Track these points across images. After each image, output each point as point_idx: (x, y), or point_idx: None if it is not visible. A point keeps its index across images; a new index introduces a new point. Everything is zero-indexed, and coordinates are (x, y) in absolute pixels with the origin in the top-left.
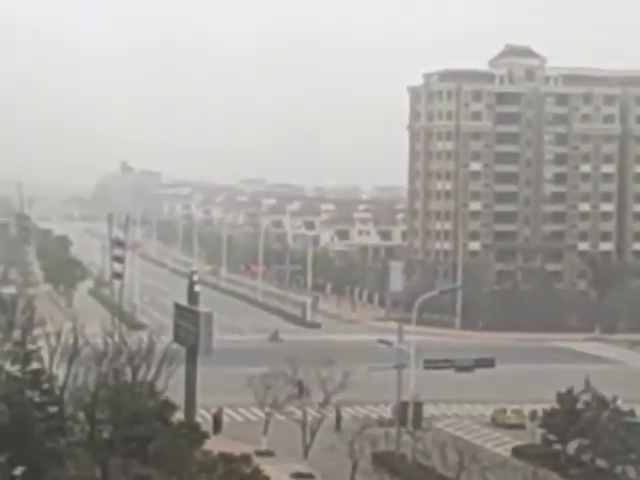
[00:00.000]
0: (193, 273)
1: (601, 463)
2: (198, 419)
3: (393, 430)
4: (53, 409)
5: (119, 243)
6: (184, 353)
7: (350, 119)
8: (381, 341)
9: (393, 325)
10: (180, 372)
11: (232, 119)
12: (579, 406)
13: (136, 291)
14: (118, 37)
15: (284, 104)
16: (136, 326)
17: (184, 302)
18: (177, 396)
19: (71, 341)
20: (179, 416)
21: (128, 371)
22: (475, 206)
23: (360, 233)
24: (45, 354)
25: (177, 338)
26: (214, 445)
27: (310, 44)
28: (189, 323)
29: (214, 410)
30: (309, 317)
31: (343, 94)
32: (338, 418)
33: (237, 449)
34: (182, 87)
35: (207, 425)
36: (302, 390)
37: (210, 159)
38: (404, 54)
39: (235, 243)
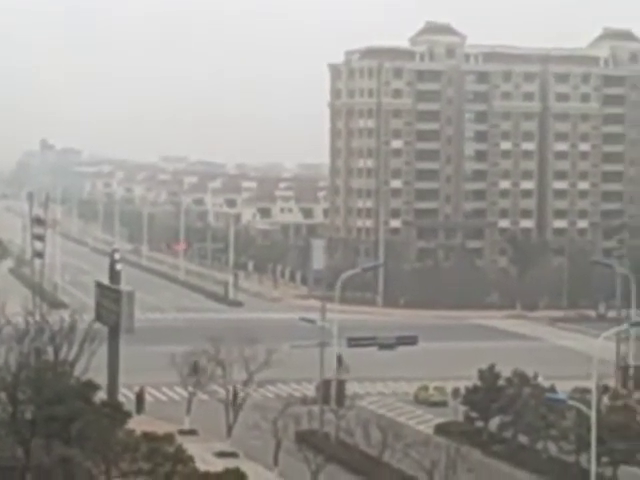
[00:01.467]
0: (114, 252)
1: (523, 439)
2: (121, 398)
3: (316, 408)
4: None
5: (39, 221)
6: (106, 332)
7: (271, 96)
8: (303, 319)
9: (315, 303)
10: (102, 351)
11: (152, 95)
12: (500, 383)
13: (57, 270)
14: (39, 7)
15: (205, 81)
16: (57, 305)
17: (106, 281)
18: (99, 376)
19: None
20: (102, 396)
21: (50, 350)
22: (396, 184)
23: (282, 211)
24: None
25: (99, 317)
26: (137, 425)
27: (231, 19)
28: (111, 302)
29: (137, 389)
30: (231, 295)
31: (264, 71)
32: (235, 395)
33: (160, 428)
34: (105, 62)
35: (130, 404)
36: (197, 370)
37: (131, 137)
38: (325, 32)
39: (157, 221)
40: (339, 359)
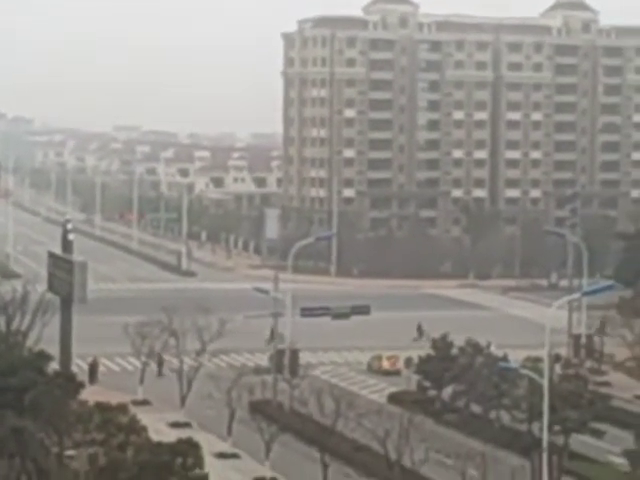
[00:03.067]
0: (67, 221)
1: (475, 408)
2: (74, 369)
3: (270, 378)
4: None
5: None
6: (59, 302)
7: (224, 65)
8: (257, 289)
9: (269, 273)
10: (55, 321)
11: (102, 63)
12: (453, 352)
13: (9, 240)
14: None
15: (156, 48)
16: (10, 275)
17: (58, 251)
18: (52, 346)
19: None
20: (54, 366)
21: (2, 321)
22: (349, 153)
23: (235, 180)
24: None
25: (51, 287)
26: (90, 395)
27: None
28: (63, 272)
29: (90, 360)
30: (184, 265)
31: (216, 39)
32: (160, 363)
33: (113, 399)
34: (54, 29)
35: (83, 375)
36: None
37: (82, 105)
38: (279, 0)
39: (109, 191)
40: (272, 331)
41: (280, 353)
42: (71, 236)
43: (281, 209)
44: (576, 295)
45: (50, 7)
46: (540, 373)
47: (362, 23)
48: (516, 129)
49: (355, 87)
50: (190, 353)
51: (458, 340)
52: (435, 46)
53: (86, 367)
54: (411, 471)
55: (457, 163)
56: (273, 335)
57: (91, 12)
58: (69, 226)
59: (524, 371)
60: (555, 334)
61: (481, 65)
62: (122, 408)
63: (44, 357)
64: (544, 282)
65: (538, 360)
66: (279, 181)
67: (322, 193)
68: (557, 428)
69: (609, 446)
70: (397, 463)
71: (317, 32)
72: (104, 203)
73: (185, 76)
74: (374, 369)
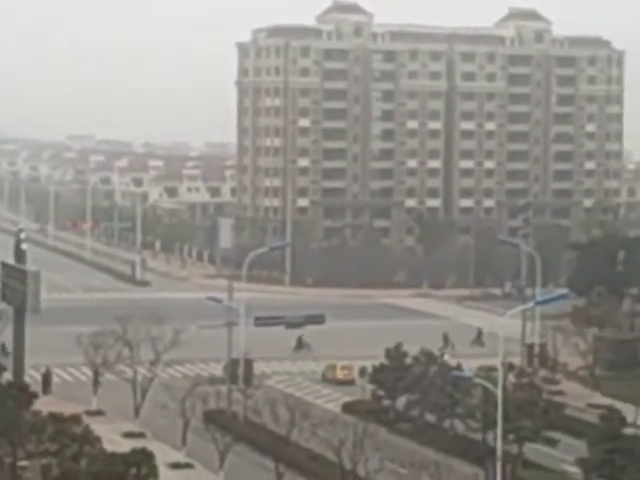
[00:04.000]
0: (20, 231)
1: (429, 417)
2: (27, 379)
3: (224, 388)
4: None
5: None
6: (12, 312)
7: (179, 74)
8: (211, 299)
9: (223, 282)
10: (8, 332)
11: (54, 71)
12: (407, 362)
13: None
14: None
15: (111, 56)
16: None
17: (11, 260)
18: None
19: None
20: (7, 377)
21: None
22: (304, 162)
23: (189, 190)
24: None
25: (4, 297)
26: (43, 406)
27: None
28: (16, 282)
29: (43, 370)
30: (138, 275)
31: (171, 48)
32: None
33: (67, 409)
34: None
35: (36, 385)
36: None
37: (35, 115)
38: (232, 8)
39: (63, 200)
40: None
41: (234, 363)
42: (24, 246)
43: (235, 218)
44: (529, 304)
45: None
46: (494, 382)
47: (316, 33)
48: (470, 139)
49: (309, 96)
50: (144, 363)
51: (412, 350)
52: (389, 56)
53: (39, 377)
54: None
55: (411, 173)
56: (300, 343)
57: (42, 17)
58: (22, 235)
59: (478, 380)
60: (509, 343)
61: (435, 75)
62: (75, 418)
63: None
64: (498, 291)
65: (492, 369)
66: (233, 190)
67: (276, 202)
68: (511, 437)
69: (563, 455)
70: (351, 472)
71: (271, 42)
72: (58, 212)
73: (139, 85)
74: (328, 379)
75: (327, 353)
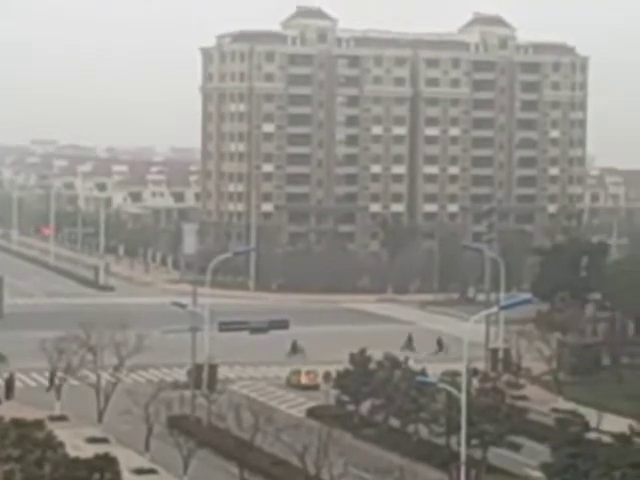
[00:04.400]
0: None
1: (394, 422)
2: None
3: (188, 393)
4: None
5: None
6: None
7: (143, 79)
8: (175, 304)
9: (187, 287)
10: None
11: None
12: (372, 366)
13: None
14: None
15: (73, 60)
16: None
17: None
18: None
19: None
20: None
21: None
22: (268, 168)
23: (153, 195)
24: None
25: None
26: (6, 411)
27: (102, 1)
28: None
29: (6, 375)
30: (102, 280)
31: (136, 53)
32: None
33: (30, 414)
34: None
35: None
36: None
37: None
38: (199, 15)
39: (26, 205)
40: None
41: (198, 368)
42: None
43: (199, 224)
44: (493, 309)
45: None
46: (458, 387)
47: (281, 38)
48: (434, 144)
49: (274, 102)
50: (108, 368)
51: (376, 354)
52: (354, 61)
53: (2, 382)
54: None
55: (375, 178)
56: (295, 348)
57: (4, 19)
58: None
59: (442, 385)
60: (473, 348)
61: (399, 81)
62: (39, 424)
63: None
64: (462, 296)
65: (456, 374)
66: (197, 196)
67: (240, 207)
68: (475, 442)
69: (526, 459)
70: (316, 477)
71: (236, 47)
72: (21, 217)
73: (103, 89)
74: (293, 384)
75: (291, 358)
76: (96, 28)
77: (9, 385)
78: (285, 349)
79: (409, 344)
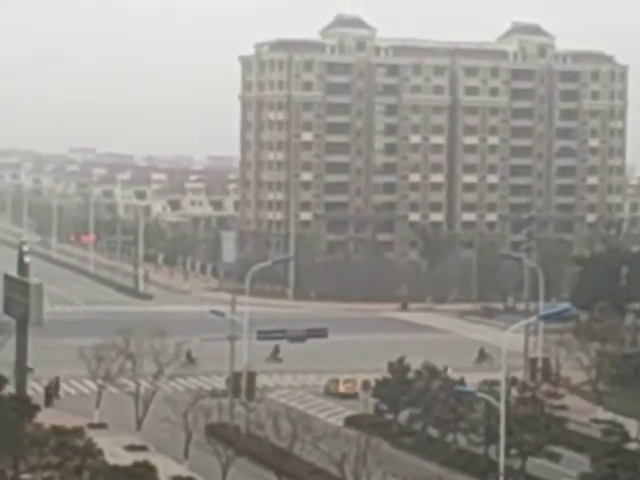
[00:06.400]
0: (23, 244)
1: (432, 432)
2: (29, 392)
3: (226, 401)
4: None
5: None
6: (14, 325)
7: (182, 88)
8: (214, 312)
9: (226, 296)
10: (10, 344)
11: (56, 85)
12: (410, 376)
13: None
14: None
15: (114, 70)
16: None
17: (14, 273)
18: (8, 368)
19: None
20: (10, 389)
21: None
22: (307, 176)
23: (192, 203)
24: None
25: (7, 310)
26: (46, 418)
27: (140, 6)
28: (19, 294)
29: (46, 383)
30: (141, 288)
31: (175, 61)
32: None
33: (69, 422)
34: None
35: (39, 398)
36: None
37: (38, 127)
38: (237, 23)
39: (66, 213)
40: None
41: (237, 376)
42: (27, 258)
43: (238, 232)
44: (533, 318)
45: (1, 23)
46: (497, 396)
47: (319, 47)
48: (473, 153)
49: (312, 110)
50: (147, 376)
51: (415, 364)
52: (392, 70)
53: (42, 390)
54: None
55: (414, 187)
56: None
57: (44, 28)
58: (25, 248)
59: (481, 394)
60: (512, 358)
61: (438, 89)
62: (78, 431)
63: None
64: (500, 306)
65: (495, 384)
66: (236, 204)
67: (279, 216)
68: (513, 451)
69: (565, 470)
70: None
71: (274, 55)
72: (60, 225)
73: (141, 98)
74: (331, 392)
75: (330, 367)
76: (133, 38)
77: (49, 392)
78: (322, 357)
79: (482, 357)
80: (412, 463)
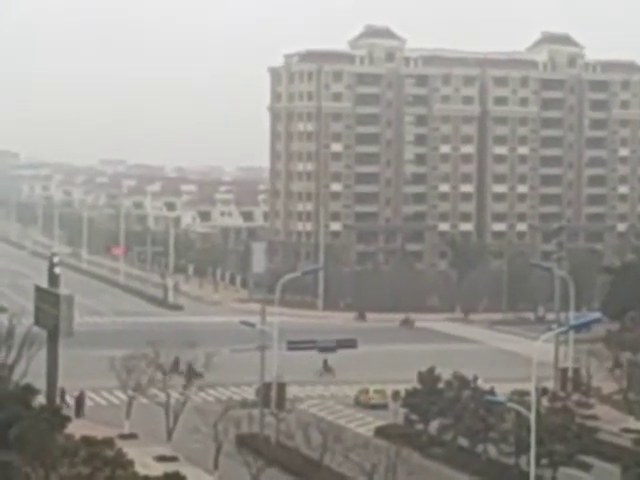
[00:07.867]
0: (53, 255)
1: (462, 442)
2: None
3: (257, 412)
4: None
5: None
6: (45, 336)
7: (213, 99)
8: (244, 323)
9: (256, 306)
10: (41, 355)
11: (88, 97)
12: (440, 386)
13: None
14: None
15: (143, 82)
16: None
17: (45, 284)
18: (38, 380)
19: None
20: (41, 400)
21: None
22: (336, 187)
23: (222, 214)
24: None
25: (38, 321)
26: (76, 429)
27: (171, 19)
28: (50, 306)
29: (76, 393)
30: (171, 299)
31: (204, 73)
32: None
33: (100, 433)
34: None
35: (69, 409)
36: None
37: (69, 139)
38: (265, 34)
39: (96, 225)
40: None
41: (267, 387)
42: (57, 270)
43: (268, 243)
44: (563, 328)
45: (35, 39)
46: (527, 406)
47: (348, 57)
48: (502, 163)
49: (342, 121)
50: (177, 387)
51: (445, 374)
52: (422, 80)
53: (72, 401)
54: None
55: (444, 197)
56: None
57: (74, 45)
58: (55, 260)
59: (511, 404)
60: (542, 368)
61: (468, 99)
62: (108, 442)
63: (30, 391)
64: (531, 316)
65: (525, 394)
66: (266, 215)
67: (309, 227)
68: (544, 461)
69: (596, 479)
70: None
71: (304, 66)
72: (91, 237)
73: (171, 109)
74: (361, 402)
75: (359, 377)
76: (163, 52)
77: (79, 403)
78: (352, 368)
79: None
80: (442, 473)
